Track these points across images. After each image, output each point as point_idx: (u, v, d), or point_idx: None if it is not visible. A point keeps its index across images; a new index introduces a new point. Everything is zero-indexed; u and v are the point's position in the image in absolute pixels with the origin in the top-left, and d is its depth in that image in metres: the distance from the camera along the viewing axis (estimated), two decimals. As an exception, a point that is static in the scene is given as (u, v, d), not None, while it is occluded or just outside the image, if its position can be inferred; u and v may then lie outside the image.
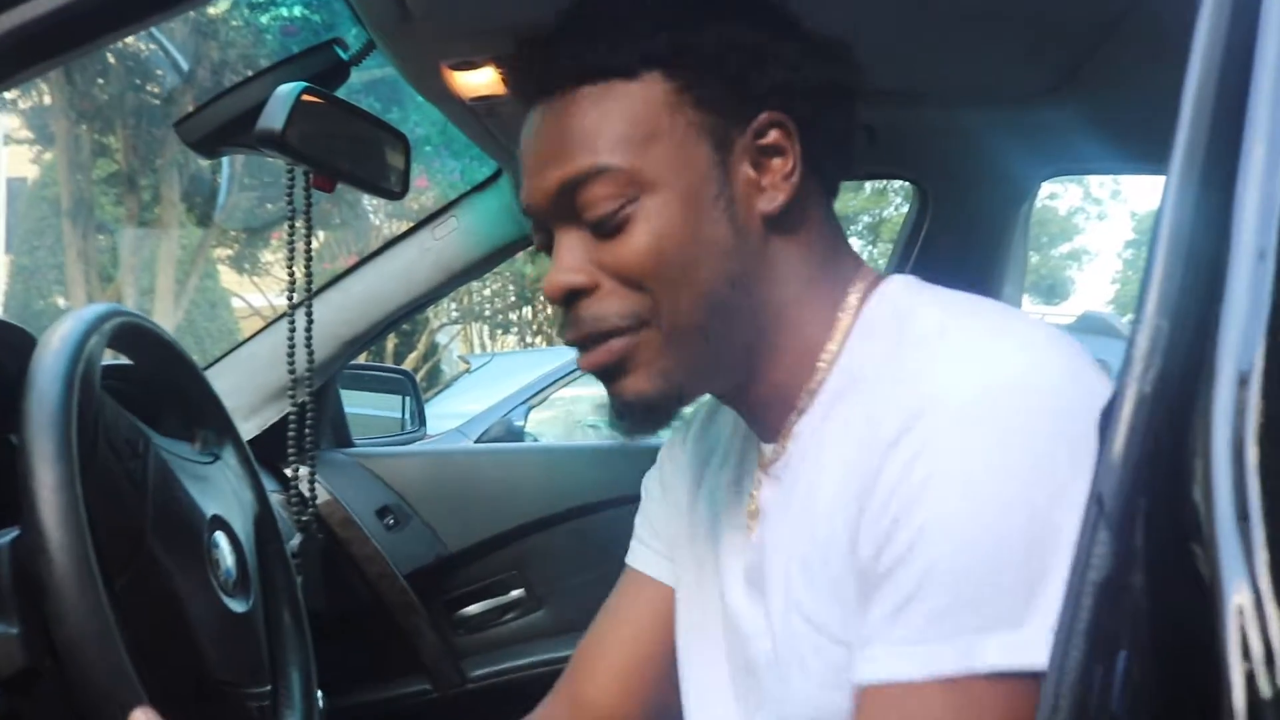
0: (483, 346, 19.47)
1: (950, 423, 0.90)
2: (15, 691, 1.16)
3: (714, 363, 1.07)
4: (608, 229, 1.03)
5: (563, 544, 2.41)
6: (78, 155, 15.74)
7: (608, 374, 1.07)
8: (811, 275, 1.08)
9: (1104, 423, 0.74)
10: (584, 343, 1.06)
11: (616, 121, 1.04)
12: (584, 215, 1.04)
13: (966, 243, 2.20)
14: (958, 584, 0.87)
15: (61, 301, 17.31)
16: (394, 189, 1.73)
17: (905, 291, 1.07)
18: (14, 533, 1.21)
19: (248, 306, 17.57)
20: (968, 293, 1.06)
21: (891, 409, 0.93)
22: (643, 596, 1.32)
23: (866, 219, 20.47)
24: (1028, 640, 0.84)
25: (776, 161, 1.07)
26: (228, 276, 18.75)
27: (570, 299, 1.06)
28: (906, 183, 2.27)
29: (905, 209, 2.44)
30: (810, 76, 1.07)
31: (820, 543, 1.00)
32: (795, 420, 1.09)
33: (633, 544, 1.36)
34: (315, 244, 1.75)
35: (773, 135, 1.06)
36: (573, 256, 1.05)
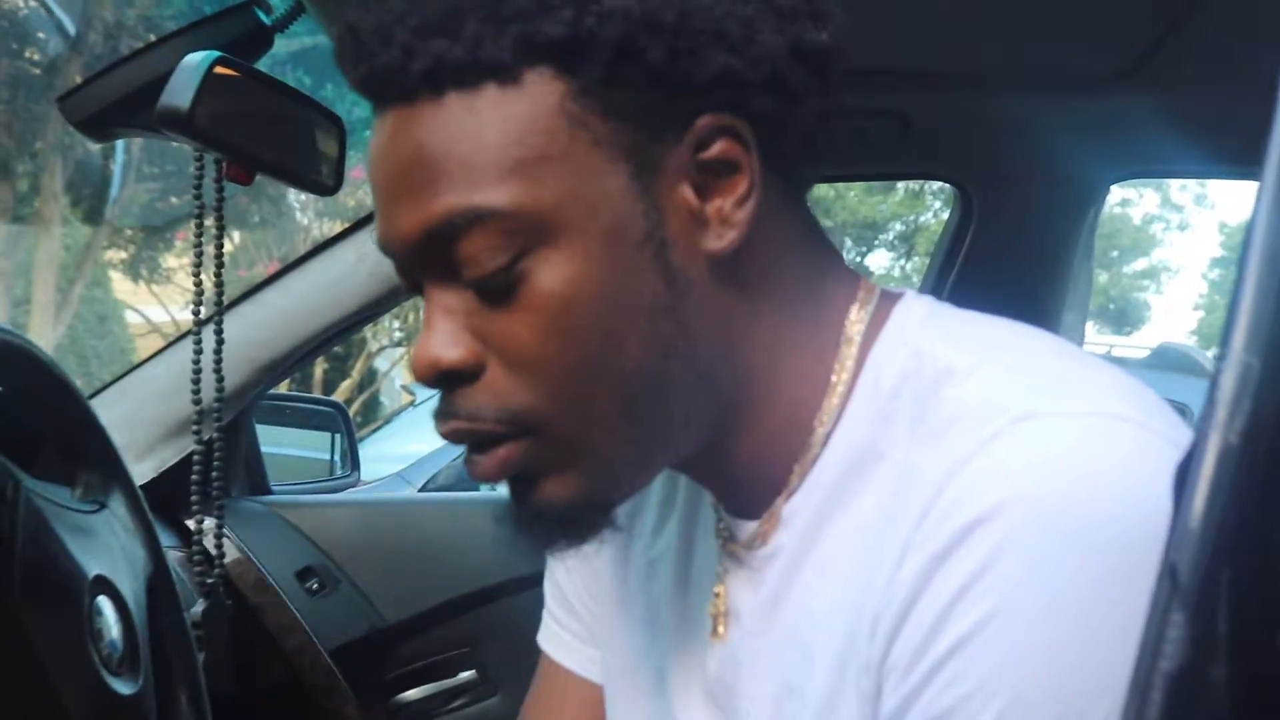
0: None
1: (1030, 536, 0.83)
2: None
3: (652, 458, 0.99)
4: (492, 292, 0.91)
5: (523, 616, 2.37)
6: (-61, 135, 15.74)
7: (509, 484, 0.97)
8: (787, 318, 0.98)
9: (1180, 480, 0.73)
10: (461, 441, 0.95)
11: (494, 144, 0.89)
12: (461, 272, 0.91)
13: (1019, 257, 2.20)
14: None
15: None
16: (325, 181, 1.72)
17: (927, 328, 0.98)
18: None
19: (145, 321, 17.53)
20: (1016, 322, 0.99)
21: (935, 512, 0.86)
22: (570, 697, 1.25)
23: (899, 227, 20.50)
24: None
25: (726, 183, 0.93)
26: (121, 285, 18.68)
27: (444, 381, 0.94)
28: (947, 184, 2.28)
29: (946, 215, 2.44)
30: (769, 54, 0.92)
31: (821, 673, 0.94)
32: (784, 501, 1.00)
33: (545, 620, 1.29)
34: (229, 247, 1.74)
35: (718, 147, 0.92)
36: (447, 325, 0.93)
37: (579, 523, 0.97)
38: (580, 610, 1.24)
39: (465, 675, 2.41)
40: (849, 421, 0.97)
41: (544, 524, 0.96)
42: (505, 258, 0.89)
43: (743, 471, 1.01)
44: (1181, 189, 30.43)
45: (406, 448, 7.53)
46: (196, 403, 1.83)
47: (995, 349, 0.95)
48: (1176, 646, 0.72)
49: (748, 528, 1.03)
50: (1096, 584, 0.82)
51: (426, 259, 0.93)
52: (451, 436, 0.95)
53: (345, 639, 2.33)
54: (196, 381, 1.83)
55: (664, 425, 0.95)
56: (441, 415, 0.95)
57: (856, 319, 0.99)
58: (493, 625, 2.41)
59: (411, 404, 10.32)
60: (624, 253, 0.90)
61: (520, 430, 0.92)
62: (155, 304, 17.66)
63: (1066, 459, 0.85)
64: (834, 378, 0.98)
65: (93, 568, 1.35)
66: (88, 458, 1.50)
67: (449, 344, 0.92)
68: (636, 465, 0.97)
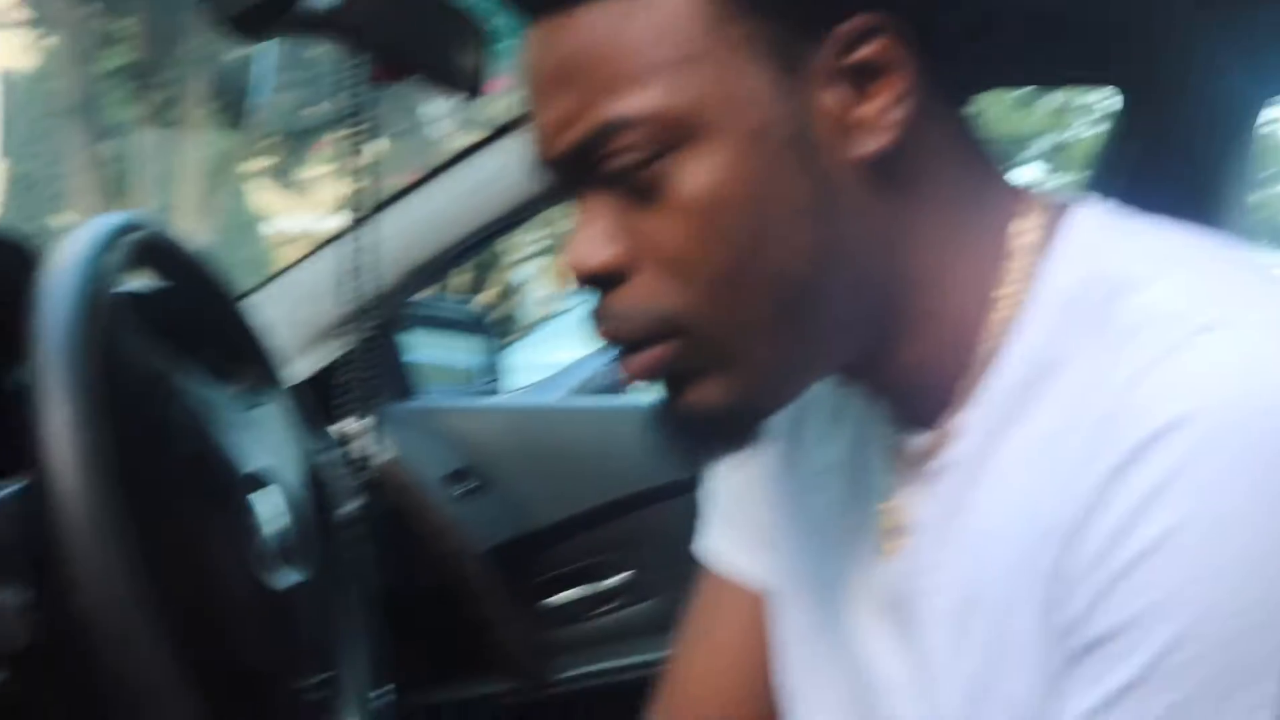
0: (570, 287, 19.40)
1: (1217, 446, 0.82)
2: (21, 670, 1.19)
3: (804, 366, 0.98)
4: (640, 194, 0.91)
5: (676, 522, 2.36)
6: (83, 43, 15.92)
7: (658, 382, 0.96)
8: (946, 227, 0.96)
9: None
10: (615, 343, 0.96)
11: (640, 47, 0.90)
12: (611, 176, 0.92)
13: (1178, 169, 2.15)
14: (1201, 673, 0.82)
15: (65, 218, 17.56)
16: (468, 84, 1.71)
17: (1103, 237, 0.96)
18: (22, 484, 1.24)
19: (285, 231, 17.69)
20: (1192, 232, 0.97)
21: (1117, 421, 0.86)
22: (734, 605, 1.23)
23: (1043, 145, 20.13)
24: None
25: (877, 85, 0.92)
26: (261, 195, 18.89)
27: (596, 283, 0.95)
28: (1099, 98, 2.23)
29: (1092, 132, 2.40)
30: None
31: (999, 587, 0.94)
32: (958, 414, 0.98)
33: (707, 528, 1.26)
34: (372, 155, 1.74)
35: (869, 48, 0.91)
36: (599, 227, 0.94)
37: (729, 429, 0.97)
38: (744, 518, 1.21)
39: (616, 580, 2.42)
40: (1025, 332, 0.95)
41: (694, 429, 0.96)
42: (653, 159, 0.89)
43: (910, 383, 1.00)
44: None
45: (549, 357, 7.53)
46: (349, 305, 1.85)
47: (1175, 258, 0.93)
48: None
49: (921, 441, 1.01)
50: None
51: (579, 164, 0.93)
52: (605, 338, 0.96)
53: (495, 542, 2.33)
54: (348, 284, 1.85)
55: (816, 333, 0.94)
56: (595, 317, 0.95)
57: (1025, 230, 0.97)
58: (644, 531, 2.40)
59: (553, 314, 10.30)
60: (770, 154, 0.90)
61: (670, 332, 0.92)
62: (295, 214, 17.82)
63: (1252, 370, 0.84)
64: (1003, 289, 0.96)
65: (251, 462, 1.37)
66: (244, 356, 1.52)
67: (599, 246, 0.93)
68: (788, 373, 0.97)
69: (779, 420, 1.13)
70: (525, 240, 17.15)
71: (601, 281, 0.94)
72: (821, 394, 1.12)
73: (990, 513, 0.95)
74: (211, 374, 1.44)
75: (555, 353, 7.66)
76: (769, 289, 0.91)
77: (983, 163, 1.00)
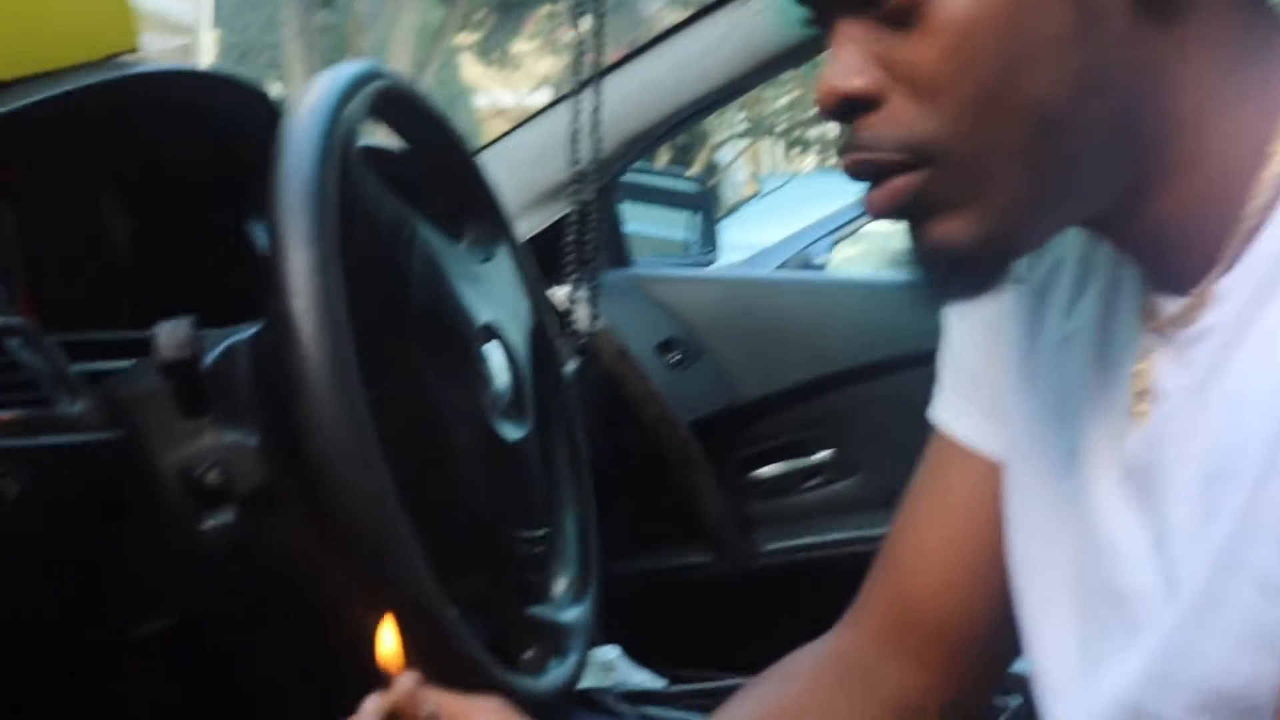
0: (774, 167, 19.30)
1: None
2: (253, 511, 1.21)
3: (1058, 205, 0.94)
4: (896, 18, 0.87)
5: (886, 399, 2.34)
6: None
7: (901, 218, 0.93)
8: (1219, 70, 0.92)
9: None
10: (862, 174, 0.92)
11: None
12: (869, 1, 0.88)
13: None
14: None
15: (276, 89, 17.79)
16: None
17: None
18: (255, 329, 1.26)
19: (493, 105, 17.78)
20: None
21: None
22: (965, 474, 1.19)
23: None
24: None
25: None
26: (471, 68, 18.98)
27: (847, 111, 0.91)
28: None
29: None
30: None
31: (1253, 457, 0.89)
32: (1217, 278, 0.93)
33: (942, 398, 1.22)
34: (588, 28, 1.72)
35: None
36: (853, 53, 0.89)
37: (974, 268, 0.93)
38: (982, 384, 1.17)
39: (822, 454, 2.40)
40: None
41: (938, 267, 0.93)
42: None
43: (1166, 240, 0.96)
44: None
45: (752, 237, 7.48)
46: (567, 171, 1.85)
47: None
48: None
49: (1175, 304, 0.97)
50: None
51: None
52: (852, 169, 0.92)
53: (703, 413, 2.32)
54: (568, 149, 1.85)
55: (1071, 169, 0.91)
56: (844, 149, 0.92)
57: None
58: (852, 407, 2.38)
59: (756, 194, 10.23)
60: None
61: (919, 160, 0.89)
62: (504, 88, 17.91)
63: None
64: (1275, 145, 0.91)
65: (482, 314, 1.38)
66: (475, 210, 1.53)
67: (852, 72, 0.90)
68: (1037, 209, 0.93)
69: (1022, 290, 1.11)
70: (729, 121, 17.05)
71: (852, 109, 0.90)
72: (1068, 262, 1.10)
73: (1247, 382, 0.91)
74: (445, 227, 1.45)
75: (756, 233, 7.64)
76: (1023, 116, 0.88)
77: (1265, 9, 0.95)
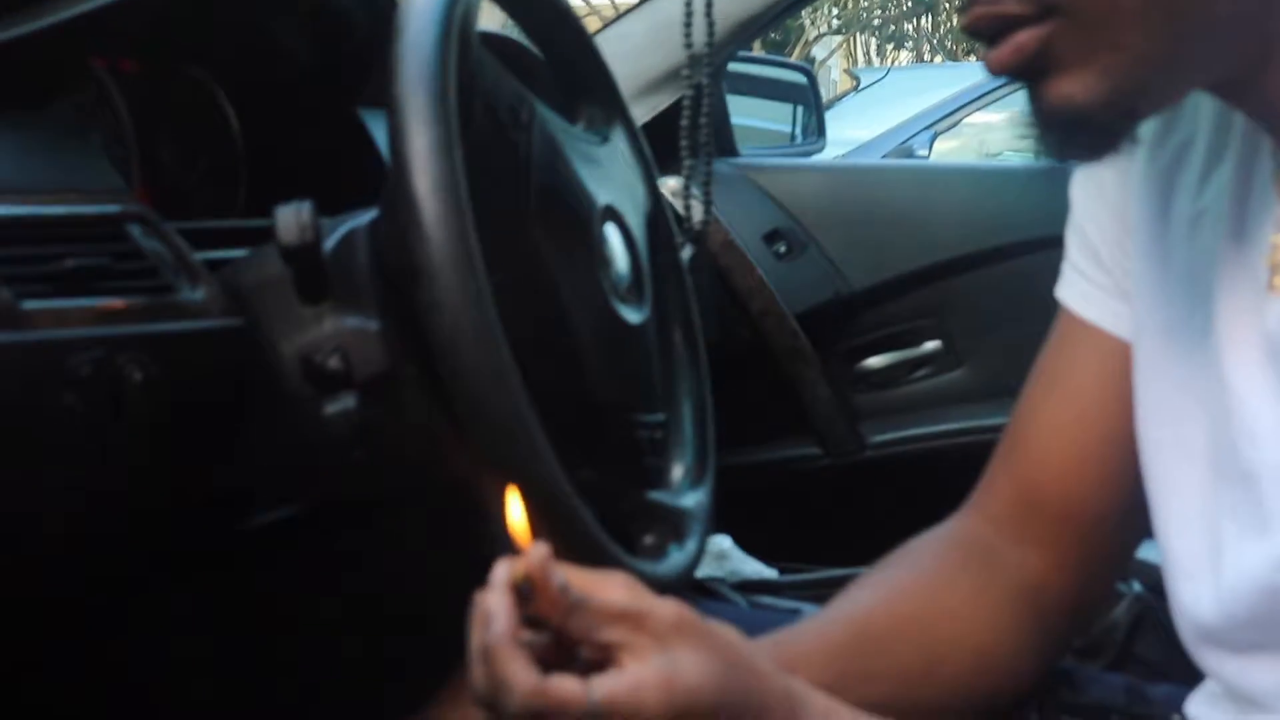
0: (869, 62, 19.18)
1: None
2: (374, 396, 1.21)
3: (1185, 61, 0.92)
4: None
5: (994, 288, 2.34)
6: None
7: (1023, 74, 0.92)
8: None
9: None
10: (981, 32, 0.92)
11: None
12: None
13: None
14: None
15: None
16: None
17: None
18: (372, 214, 1.26)
19: (585, 4, 17.72)
20: None
21: None
22: (1092, 354, 1.19)
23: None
24: None
25: None
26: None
27: None
28: None
29: None
30: None
31: None
32: None
33: (1067, 276, 1.21)
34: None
35: None
36: None
37: (1097, 126, 0.91)
38: (1109, 263, 1.16)
39: (930, 345, 2.39)
40: None
41: (1061, 124, 0.91)
42: None
43: None
44: None
45: (851, 132, 7.46)
46: (688, 46, 1.83)
47: None
48: None
49: None
50: None
51: None
52: (974, 26, 0.91)
53: (810, 303, 2.32)
54: (687, 27, 1.83)
55: (1200, 24, 0.89)
56: (964, 6, 0.91)
57: None
58: (960, 297, 2.37)
59: (854, 89, 10.17)
60: None
61: (1041, 13, 0.88)
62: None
63: None
64: None
65: (601, 196, 1.37)
66: (592, 91, 1.51)
67: None
68: (1164, 68, 0.91)
69: (1150, 169, 1.11)
70: (824, 15, 16.94)
71: None
72: (1199, 140, 1.08)
73: None
74: (562, 109, 1.44)
75: (856, 128, 7.62)
76: None
77: None
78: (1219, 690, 1.10)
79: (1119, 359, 1.15)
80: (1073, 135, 0.92)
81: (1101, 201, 1.17)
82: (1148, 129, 1.08)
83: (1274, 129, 0.98)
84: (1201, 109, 1.06)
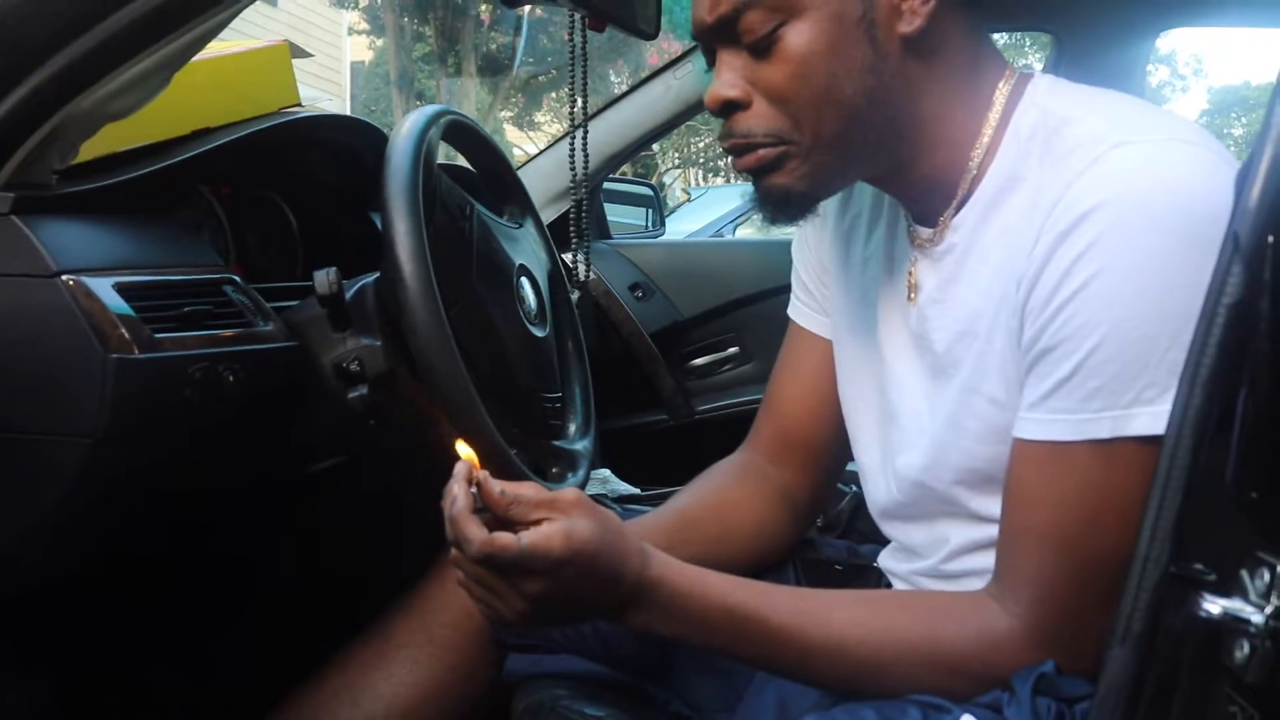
0: (698, 184, 19.23)
1: (1123, 221, 0.81)
2: (380, 387, 1.20)
3: (853, 167, 0.96)
4: (761, 50, 0.90)
5: (767, 314, 2.33)
6: (402, 41, 15.96)
7: (755, 174, 0.94)
8: (952, 88, 0.93)
9: (1241, 179, 0.68)
10: (736, 151, 0.94)
11: None
12: (742, 39, 0.90)
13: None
14: (1114, 366, 0.82)
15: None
16: (648, 30, 1.65)
17: (1052, 94, 0.93)
18: (376, 275, 1.25)
19: (525, 154, 17.65)
20: (1113, 91, 0.94)
21: (1057, 209, 0.84)
22: (810, 348, 1.19)
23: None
24: (1167, 411, 0.75)
25: None
26: (511, 132, 18.88)
27: (726, 111, 0.93)
28: (1034, 40, 2.11)
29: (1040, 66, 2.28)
30: None
31: (984, 322, 0.92)
32: (953, 214, 0.96)
33: (793, 301, 1.22)
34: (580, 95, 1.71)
35: None
36: (730, 74, 0.92)
37: (797, 203, 0.95)
38: (815, 291, 1.19)
39: (732, 350, 2.37)
40: (998, 157, 0.93)
41: (774, 201, 0.94)
42: (769, 28, 0.89)
43: (922, 189, 0.97)
44: (1185, 64, 28.90)
45: (685, 227, 7.50)
46: (573, 174, 1.83)
47: (1099, 104, 0.91)
48: (1235, 287, 0.67)
49: (929, 231, 0.99)
50: (1171, 253, 0.80)
51: (719, 33, 0.92)
52: (731, 149, 0.94)
53: (658, 327, 2.31)
54: (572, 163, 1.83)
55: (862, 146, 0.92)
56: (723, 136, 0.94)
57: (1003, 90, 0.94)
58: (750, 319, 2.35)
59: (688, 200, 10.20)
60: (846, 27, 0.88)
61: (774, 141, 0.91)
62: (531, 144, 17.80)
63: (1152, 169, 0.83)
64: (985, 129, 0.94)
65: (517, 260, 1.36)
66: (512, 196, 1.51)
67: (731, 85, 0.92)
68: (839, 172, 0.95)
69: (837, 223, 1.14)
70: (669, 157, 16.96)
71: (730, 109, 0.93)
72: (864, 212, 1.11)
73: (977, 275, 0.94)
74: (492, 207, 1.43)
75: (689, 224, 7.65)
76: (836, 114, 0.90)
77: (983, 45, 0.97)
78: (897, 547, 1.12)
79: (825, 351, 1.17)
80: (782, 208, 0.95)
81: (808, 251, 1.19)
82: (833, 203, 1.13)
83: (907, 203, 1.02)
84: (865, 190, 1.10)
